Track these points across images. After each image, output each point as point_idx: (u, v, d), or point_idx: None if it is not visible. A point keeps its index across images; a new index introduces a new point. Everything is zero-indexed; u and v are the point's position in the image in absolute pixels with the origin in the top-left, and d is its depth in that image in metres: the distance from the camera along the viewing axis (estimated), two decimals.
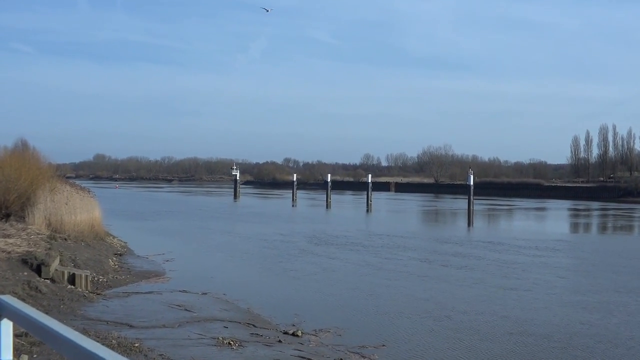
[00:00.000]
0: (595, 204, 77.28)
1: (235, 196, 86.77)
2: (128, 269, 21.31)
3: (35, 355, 8.67)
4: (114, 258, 22.99)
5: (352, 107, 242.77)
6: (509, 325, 14.57)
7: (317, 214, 58.31)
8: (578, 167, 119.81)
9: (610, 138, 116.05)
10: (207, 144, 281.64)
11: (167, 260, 24.01)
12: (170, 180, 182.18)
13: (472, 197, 53.01)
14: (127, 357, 10.05)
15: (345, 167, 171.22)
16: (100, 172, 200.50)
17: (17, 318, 3.20)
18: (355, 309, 16.15)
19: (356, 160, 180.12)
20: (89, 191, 31.60)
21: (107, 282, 17.94)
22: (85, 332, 10.57)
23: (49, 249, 17.76)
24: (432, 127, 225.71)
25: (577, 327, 14.55)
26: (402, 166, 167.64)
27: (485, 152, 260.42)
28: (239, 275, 21.64)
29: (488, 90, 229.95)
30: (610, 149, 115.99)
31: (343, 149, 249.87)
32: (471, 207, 51.99)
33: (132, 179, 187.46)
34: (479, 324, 14.74)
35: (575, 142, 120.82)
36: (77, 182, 42.48)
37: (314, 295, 18.11)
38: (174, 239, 32.79)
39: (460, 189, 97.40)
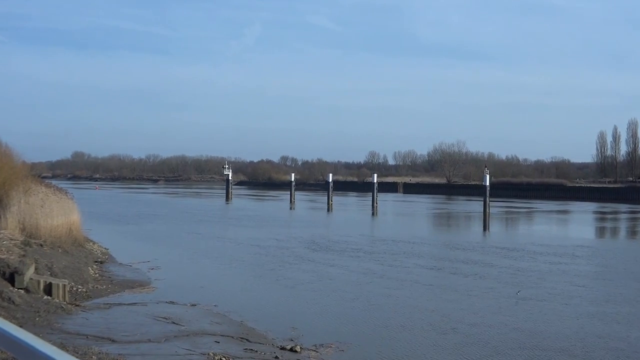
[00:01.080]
0: (623, 207, 77.37)
1: (227, 198, 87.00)
2: (110, 277, 21.48)
3: None
4: (94, 266, 23.16)
5: (356, 100, 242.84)
6: (520, 339, 14.77)
7: (317, 217, 58.45)
8: (605, 165, 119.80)
9: None
10: (197, 141, 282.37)
11: (153, 269, 24.18)
12: (155, 181, 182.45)
13: (488, 198, 53.13)
14: None
15: (349, 166, 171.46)
16: (79, 171, 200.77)
17: None
18: (358, 322, 16.33)
19: (360, 158, 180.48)
20: (66, 192, 31.75)
21: (86, 292, 18.10)
22: (63, 346, 10.70)
23: (23, 255, 17.90)
24: (444, 122, 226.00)
25: (594, 341, 14.75)
26: (410, 165, 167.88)
27: (503, 149, 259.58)
28: (231, 285, 21.81)
29: (506, 82, 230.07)
30: None
31: (346, 146, 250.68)
32: (487, 210, 52.14)
33: (113, 179, 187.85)
34: (488, 337, 14.93)
35: (602, 138, 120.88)
36: (54, 182, 42.67)
37: (312, 306, 18.28)
38: (159, 245, 32.97)
39: (474, 190, 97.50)
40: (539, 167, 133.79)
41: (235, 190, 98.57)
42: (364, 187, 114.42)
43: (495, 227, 47.66)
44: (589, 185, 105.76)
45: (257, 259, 27.98)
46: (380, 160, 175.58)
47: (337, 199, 78.39)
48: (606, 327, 16.11)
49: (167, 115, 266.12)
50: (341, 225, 47.75)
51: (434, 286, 21.59)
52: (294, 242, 34.18)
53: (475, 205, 71.61)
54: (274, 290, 20.63)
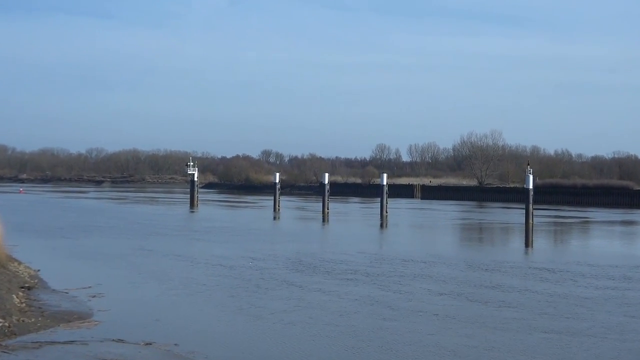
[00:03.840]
0: None
1: (192, 204, 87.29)
2: (40, 308, 21.82)
3: None
4: (20, 293, 23.49)
5: (359, 78, 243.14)
6: None
7: (309, 229, 58.89)
8: None
9: None
10: (152, 131, 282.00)
11: (95, 296, 24.59)
12: (99, 182, 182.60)
13: (531, 205, 53.72)
14: None
15: (350, 164, 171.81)
16: (0, 170, 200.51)
17: None
18: None
19: (365, 153, 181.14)
20: None
21: (10, 327, 18.43)
22: None
23: None
24: (473, 107, 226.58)
25: None
26: (431, 162, 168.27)
27: (551, 142, 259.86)
28: (194, 318, 22.22)
29: (554, 54, 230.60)
30: None
31: (347, 137, 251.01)
32: (530, 221, 52.75)
33: (45, 180, 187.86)
34: None
35: None
36: None
37: (297, 344, 18.88)
38: (103, 265, 33.37)
39: (514, 195, 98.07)
40: (597, 165, 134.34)
41: (202, 195, 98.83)
42: (370, 191, 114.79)
43: (540, 242, 48.04)
44: None
45: (226, 283, 28.41)
46: (392, 156, 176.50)
47: (334, 206, 78.60)
48: None
49: (113, 99, 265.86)
50: (339, 240, 48.14)
51: (442, 316, 22.23)
52: (276, 262, 34.58)
53: (514, 215, 72.12)
54: (247, 324, 21.11)
